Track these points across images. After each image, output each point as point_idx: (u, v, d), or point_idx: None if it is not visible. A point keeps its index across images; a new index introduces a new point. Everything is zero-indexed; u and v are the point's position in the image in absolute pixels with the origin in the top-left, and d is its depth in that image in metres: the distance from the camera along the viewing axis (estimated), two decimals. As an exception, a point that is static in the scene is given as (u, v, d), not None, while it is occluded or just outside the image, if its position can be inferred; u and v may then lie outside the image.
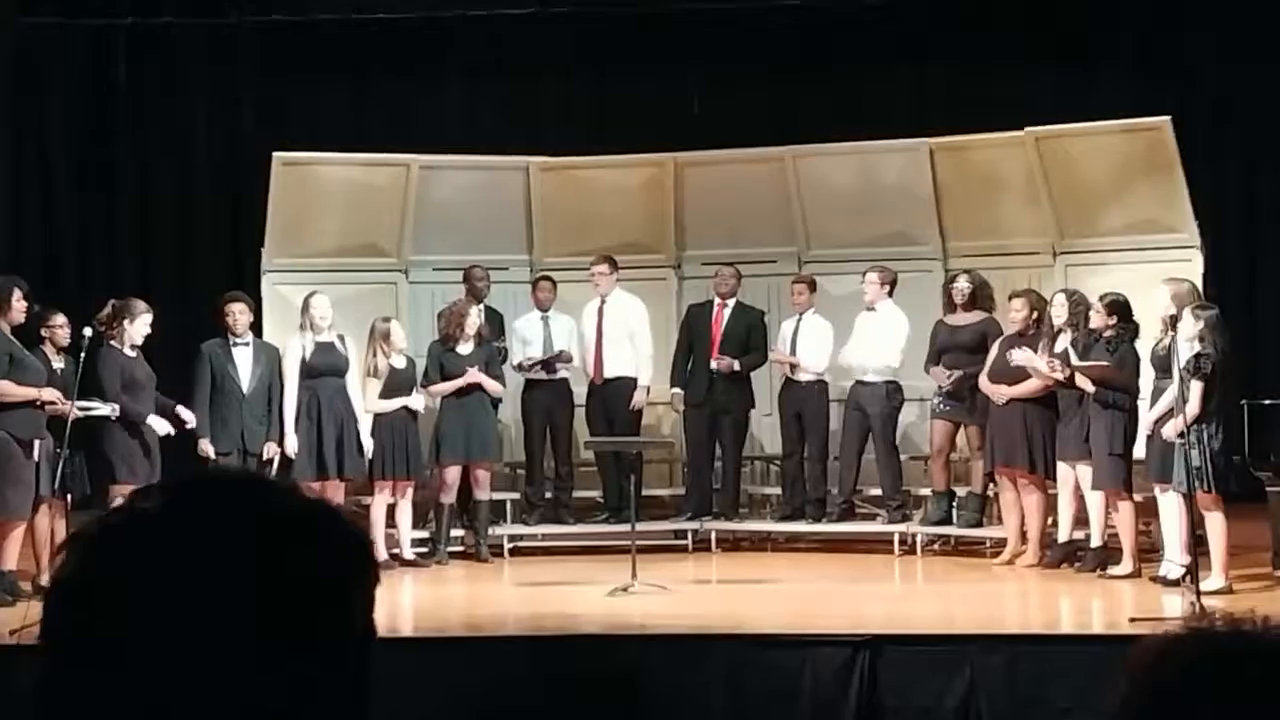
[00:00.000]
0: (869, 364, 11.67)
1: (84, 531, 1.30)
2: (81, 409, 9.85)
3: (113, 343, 10.27)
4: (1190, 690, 1.34)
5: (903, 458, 11.88)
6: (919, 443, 12.14)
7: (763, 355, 12.16)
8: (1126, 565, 10.01)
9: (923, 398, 11.83)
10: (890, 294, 11.79)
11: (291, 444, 10.93)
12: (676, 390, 12.19)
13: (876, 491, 11.92)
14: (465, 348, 11.49)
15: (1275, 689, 1.30)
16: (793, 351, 11.96)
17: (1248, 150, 14.26)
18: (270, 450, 10.91)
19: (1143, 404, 9.92)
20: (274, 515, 1.29)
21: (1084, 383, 10.07)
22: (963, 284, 11.46)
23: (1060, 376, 10.20)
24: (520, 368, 12.03)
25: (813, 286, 12.12)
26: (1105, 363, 10.00)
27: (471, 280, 12.24)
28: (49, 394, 9.68)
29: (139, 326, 10.38)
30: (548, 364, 12.04)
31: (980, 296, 11.47)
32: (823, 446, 11.96)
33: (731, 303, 12.21)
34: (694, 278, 12.91)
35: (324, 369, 11.05)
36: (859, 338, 11.75)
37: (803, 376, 11.93)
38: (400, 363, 11.33)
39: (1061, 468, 10.45)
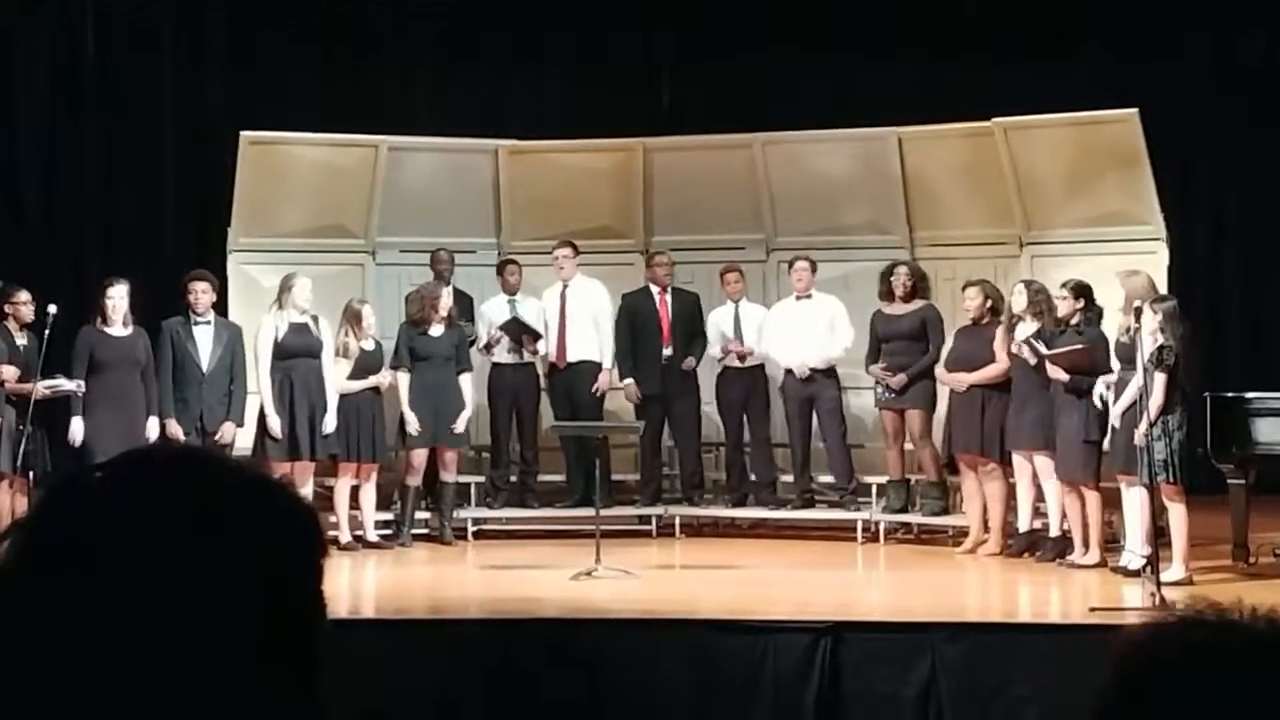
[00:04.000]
0: (826, 353, 11.71)
1: (25, 514, 1.29)
2: (47, 386, 9.83)
3: (98, 324, 10.35)
4: (1177, 681, 1.33)
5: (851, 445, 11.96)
6: (865, 431, 12.21)
7: (705, 339, 12.22)
8: (1092, 555, 10.04)
9: (866, 386, 11.85)
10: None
11: (275, 424, 10.85)
12: (629, 381, 12.18)
13: (826, 478, 11.97)
14: (436, 330, 11.47)
15: (1263, 679, 1.30)
16: (737, 338, 12.04)
17: (1215, 143, 14.31)
18: (228, 431, 10.85)
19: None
20: (216, 489, 1.28)
21: (1056, 372, 10.09)
22: (903, 274, 11.53)
23: (1033, 360, 10.19)
24: (487, 347, 12.01)
25: (742, 274, 12.25)
26: (1078, 346, 10.03)
27: (437, 263, 12.22)
28: (8, 372, 9.64)
29: (108, 300, 10.38)
30: (515, 333, 11.96)
31: (920, 287, 11.53)
32: (767, 431, 12.05)
33: (670, 289, 12.26)
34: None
35: (298, 350, 11.00)
36: (800, 327, 11.79)
37: (749, 363, 12.02)
38: (369, 345, 11.30)
39: (1017, 458, 10.50)
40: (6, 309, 10.19)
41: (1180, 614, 1.37)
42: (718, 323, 12.21)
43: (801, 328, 11.82)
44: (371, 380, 11.18)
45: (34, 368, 9.81)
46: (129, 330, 10.51)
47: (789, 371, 11.85)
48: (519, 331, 12.00)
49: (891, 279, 11.56)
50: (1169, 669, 1.33)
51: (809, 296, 11.91)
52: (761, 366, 12.10)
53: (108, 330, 10.41)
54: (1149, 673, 1.34)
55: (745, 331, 12.09)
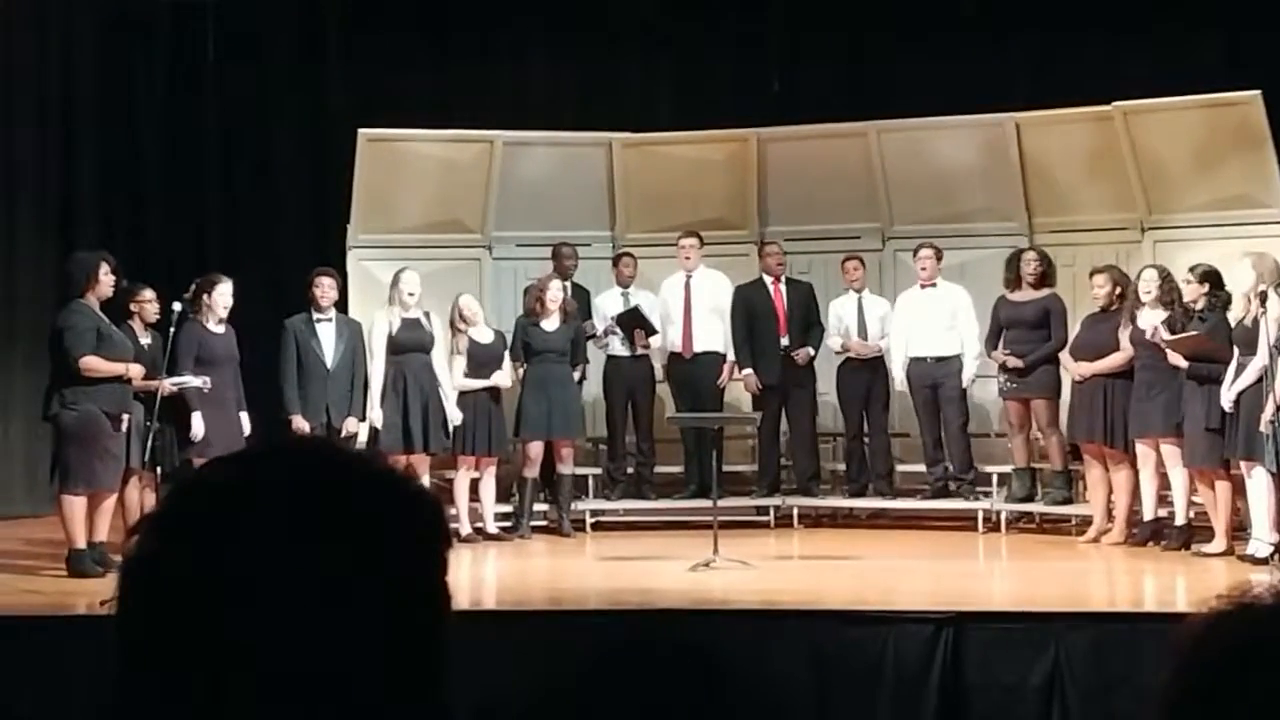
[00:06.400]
0: (954, 340, 11.62)
1: (156, 509, 1.31)
2: (175, 383, 9.98)
3: (197, 317, 10.41)
4: (1234, 667, 1.32)
5: (973, 433, 11.85)
6: (987, 420, 12.09)
7: (821, 328, 12.15)
8: (1219, 543, 9.88)
9: (988, 375, 11.74)
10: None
11: (377, 417, 11.00)
12: (748, 371, 12.14)
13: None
14: (550, 324, 11.51)
15: None
16: (860, 328, 11.97)
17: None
18: (351, 425, 10.97)
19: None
20: (342, 482, 1.29)
21: (1176, 359, 9.94)
22: (1032, 260, 11.39)
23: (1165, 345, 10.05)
24: (592, 338, 12.03)
25: (862, 263, 12.20)
26: (1197, 332, 9.87)
27: (560, 258, 12.27)
28: (135, 370, 9.79)
29: (218, 298, 10.48)
30: (629, 325, 11.96)
31: (1048, 273, 11.41)
32: (886, 422, 11.99)
33: (784, 279, 12.21)
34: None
35: (410, 345, 11.10)
36: (924, 314, 11.71)
37: (866, 354, 11.95)
38: (484, 337, 11.37)
39: (1141, 445, 10.35)
40: (131, 307, 10.35)
41: (1238, 600, 1.36)
42: (840, 313, 12.14)
43: (924, 317, 11.71)
44: (490, 381, 11.24)
45: (159, 365, 9.96)
46: (223, 328, 10.59)
47: (914, 359, 11.76)
48: (633, 324, 12.00)
49: (1020, 264, 11.44)
50: (1224, 656, 1.32)
51: (934, 285, 11.81)
52: (882, 358, 12.03)
53: (209, 326, 10.51)
54: (1206, 660, 1.33)
55: (869, 322, 12.02)
